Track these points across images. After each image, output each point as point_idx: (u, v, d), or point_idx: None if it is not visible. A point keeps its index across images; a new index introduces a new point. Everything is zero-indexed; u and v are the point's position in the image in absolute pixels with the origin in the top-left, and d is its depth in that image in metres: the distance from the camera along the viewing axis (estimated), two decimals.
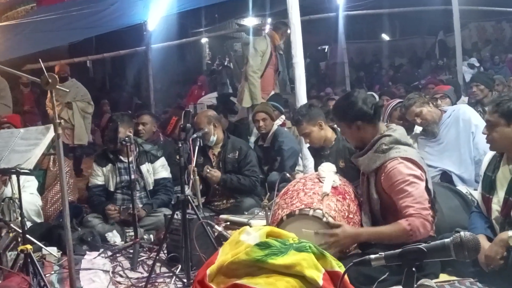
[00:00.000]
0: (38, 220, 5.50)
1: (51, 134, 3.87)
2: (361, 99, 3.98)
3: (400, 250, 1.94)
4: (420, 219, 3.64)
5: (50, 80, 3.38)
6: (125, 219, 5.69)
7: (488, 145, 3.85)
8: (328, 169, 4.18)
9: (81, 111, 9.16)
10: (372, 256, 2.01)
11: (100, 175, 5.97)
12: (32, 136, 3.99)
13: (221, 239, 4.20)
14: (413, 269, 1.89)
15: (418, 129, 5.98)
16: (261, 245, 2.80)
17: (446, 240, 1.92)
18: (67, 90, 3.41)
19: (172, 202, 5.86)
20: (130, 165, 5.16)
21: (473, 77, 8.19)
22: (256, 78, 8.54)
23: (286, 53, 5.95)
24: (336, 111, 4.14)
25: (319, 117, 5.24)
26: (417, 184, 3.73)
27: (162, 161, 6.09)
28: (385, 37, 25.26)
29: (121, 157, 5.86)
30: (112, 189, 5.93)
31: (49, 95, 8.56)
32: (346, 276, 2.88)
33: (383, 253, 1.98)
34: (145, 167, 5.93)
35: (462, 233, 1.92)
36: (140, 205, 5.76)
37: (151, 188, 5.97)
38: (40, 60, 3.51)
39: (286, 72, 9.35)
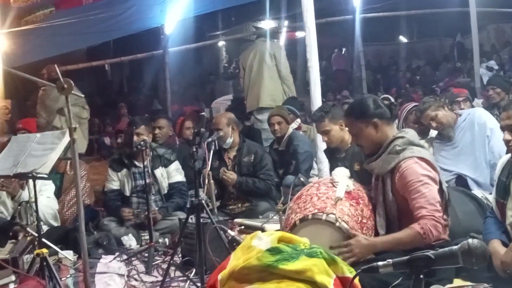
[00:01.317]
0: (55, 224, 5.56)
1: (67, 138, 3.91)
2: (376, 100, 4.04)
3: (408, 257, 1.94)
4: (432, 221, 3.62)
5: (65, 86, 3.42)
6: (141, 223, 5.72)
7: (503, 148, 3.82)
8: (341, 173, 4.17)
9: (75, 117, 8.39)
10: (380, 263, 2.01)
11: (115, 180, 6.02)
12: (48, 141, 4.03)
13: (234, 243, 4.21)
14: (421, 276, 1.89)
15: (433, 133, 5.96)
16: (272, 251, 2.81)
17: (454, 247, 1.92)
18: (83, 96, 3.44)
19: (187, 206, 5.89)
20: (145, 169, 5.21)
21: (489, 80, 8.11)
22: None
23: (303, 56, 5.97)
24: (353, 109, 4.07)
25: (341, 117, 5.23)
26: (430, 186, 3.72)
27: (176, 165, 6.13)
28: (403, 39, 25.14)
29: (136, 162, 5.91)
30: (127, 193, 5.98)
31: (39, 101, 8.41)
32: (357, 281, 2.88)
33: (391, 260, 1.99)
34: (159, 171, 5.97)
35: (470, 240, 1.91)
36: (156, 209, 5.80)
37: (166, 192, 6.01)
38: (56, 66, 3.53)
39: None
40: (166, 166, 6.05)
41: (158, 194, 6.01)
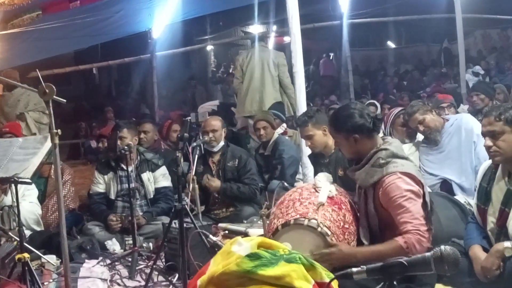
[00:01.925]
0: (38, 229, 5.54)
1: (49, 143, 3.90)
2: (360, 112, 3.96)
3: (381, 263, 1.95)
4: (417, 236, 3.62)
5: (47, 90, 3.40)
6: (125, 227, 5.71)
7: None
8: (324, 179, 4.18)
9: (35, 123, 8.19)
10: (354, 269, 2.02)
11: (101, 183, 6.02)
12: (31, 146, 4.02)
13: (215, 248, 4.21)
14: (394, 282, 1.90)
15: (420, 136, 5.99)
16: (252, 256, 2.81)
17: (427, 254, 1.94)
18: (64, 101, 3.42)
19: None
20: (130, 174, 5.20)
21: (473, 86, 8.19)
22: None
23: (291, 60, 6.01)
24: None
25: (324, 123, 5.25)
26: (414, 201, 3.71)
27: (163, 170, 6.13)
28: (391, 44, 25.25)
29: (123, 165, 5.90)
30: (112, 197, 5.97)
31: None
32: (337, 286, 2.89)
33: (365, 267, 2.00)
34: (146, 176, 5.97)
35: (442, 247, 1.93)
36: (141, 213, 5.80)
37: (152, 196, 6.01)
38: (37, 70, 3.52)
39: None
40: (153, 170, 6.05)
41: (144, 198, 6.00)
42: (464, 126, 5.62)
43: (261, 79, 8.83)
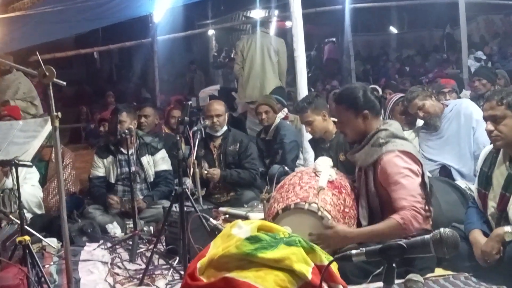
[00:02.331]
0: (39, 212, 5.54)
1: (49, 126, 3.89)
2: (371, 91, 4.06)
3: (380, 246, 1.95)
4: (412, 212, 3.66)
5: (47, 73, 3.40)
6: (126, 211, 5.72)
7: (488, 140, 3.84)
8: (324, 163, 4.19)
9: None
10: (353, 251, 2.02)
11: (101, 167, 6.01)
12: (31, 128, 4.02)
13: (215, 232, 4.22)
14: (394, 265, 1.90)
15: (420, 122, 5.97)
16: (251, 239, 2.82)
17: (426, 236, 1.93)
18: (64, 84, 3.43)
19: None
20: (130, 157, 5.20)
21: (475, 72, 8.15)
22: None
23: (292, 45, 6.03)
24: (345, 98, 4.08)
25: (324, 108, 5.27)
26: (411, 178, 3.75)
27: (162, 153, 6.12)
28: (393, 29, 25.12)
29: (122, 149, 5.89)
30: (112, 180, 5.97)
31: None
32: (336, 269, 2.90)
33: (364, 249, 2.00)
34: (146, 159, 5.97)
35: (442, 229, 1.92)
36: (141, 197, 5.80)
37: (152, 180, 6.01)
38: (37, 52, 3.51)
39: None
40: (152, 154, 6.04)
41: (144, 182, 5.99)
42: (463, 112, 5.60)
43: (262, 65, 8.88)
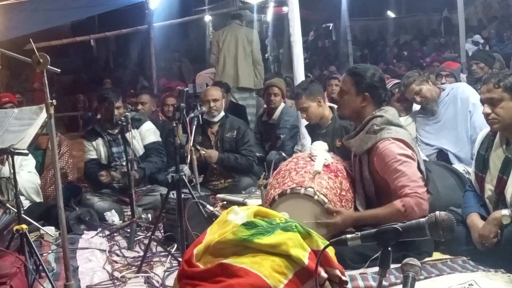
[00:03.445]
0: (37, 199, 5.54)
1: (44, 114, 3.86)
2: (381, 78, 4.06)
3: (375, 229, 1.94)
4: (415, 198, 3.65)
5: (41, 60, 3.37)
6: (122, 188, 5.79)
7: (485, 124, 3.83)
8: (320, 147, 4.18)
9: None
10: (349, 236, 2.01)
11: (92, 149, 6.06)
12: (26, 116, 3.99)
13: (212, 218, 4.21)
14: (389, 248, 1.89)
15: (416, 107, 5.96)
16: (248, 225, 2.81)
17: (422, 219, 1.93)
18: (58, 71, 3.41)
19: (168, 181, 5.87)
20: (118, 136, 5.18)
21: (473, 55, 8.12)
22: None
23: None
24: (355, 73, 4.07)
25: (319, 94, 5.24)
26: (409, 163, 3.75)
27: (148, 125, 6.12)
28: (391, 14, 25.04)
29: (109, 130, 5.89)
30: (105, 162, 6.00)
31: None
32: (333, 254, 2.89)
33: (359, 233, 1.99)
34: (129, 135, 5.92)
35: (437, 212, 1.92)
36: (136, 177, 5.74)
37: (141, 154, 6.01)
38: (30, 39, 3.49)
39: None
40: (137, 127, 6.00)
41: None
42: (460, 96, 5.58)
43: (235, 55, 9.07)
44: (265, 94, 7.45)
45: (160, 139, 6.15)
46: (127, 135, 5.72)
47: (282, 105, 7.21)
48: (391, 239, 1.91)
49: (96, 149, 6.03)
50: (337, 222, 3.77)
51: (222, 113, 6.25)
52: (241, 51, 9.05)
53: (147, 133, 6.07)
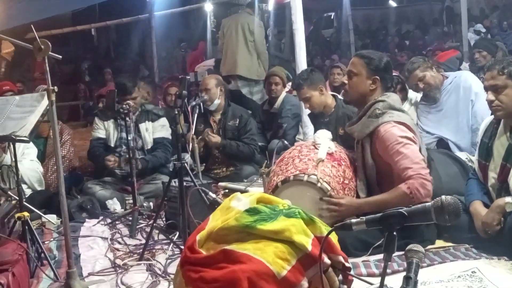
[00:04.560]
0: (39, 187, 5.53)
1: (46, 101, 3.85)
2: (389, 63, 4.11)
3: (380, 214, 1.93)
4: (420, 180, 3.64)
5: (42, 47, 3.36)
6: (123, 171, 5.80)
7: (487, 113, 3.81)
8: (323, 136, 4.17)
9: None
10: (353, 220, 2.00)
11: (102, 128, 6.03)
12: (27, 103, 3.97)
13: (215, 206, 4.20)
14: (394, 233, 1.88)
15: (412, 96, 5.95)
16: (251, 211, 2.79)
17: (427, 203, 1.92)
18: (60, 57, 3.40)
19: (170, 169, 5.86)
20: (129, 124, 5.18)
21: (475, 43, 8.09)
22: None
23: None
24: (369, 56, 4.07)
25: (320, 82, 5.22)
26: (411, 145, 3.75)
27: (163, 121, 6.10)
28: (392, 3, 24.93)
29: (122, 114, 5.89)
30: (112, 144, 5.98)
31: None
32: (336, 241, 2.89)
33: (364, 218, 1.98)
34: (144, 126, 5.91)
35: (443, 197, 1.90)
36: (139, 167, 5.73)
37: (149, 147, 5.99)
38: (32, 26, 3.47)
39: None
40: (153, 120, 6.00)
41: (141, 150, 5.93)
42: (462, 84, 5.56)
43: (236, 42, 9.08)
44: (265, 83, 7.41)
45: (170, 137, 6.12)
46: (141, 125, 5.73)
47: (284, 94, 7.18)
48: (396, 224, 1.90)
49: (106, 129, 6.01)
50: (341, 202, 3.75)
51: (217, 101, 6.19)
52: (241, 39, 9.03)
53: (159, 128, 6.06)
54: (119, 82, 5.97)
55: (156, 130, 6.03)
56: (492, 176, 3.75)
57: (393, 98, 3.99)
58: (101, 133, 6.03)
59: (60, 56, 3.50)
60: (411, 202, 3.55)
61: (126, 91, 5.76)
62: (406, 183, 3.66)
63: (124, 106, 5.01)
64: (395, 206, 3.50)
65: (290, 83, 7.85)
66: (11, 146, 4.10)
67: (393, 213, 1.91)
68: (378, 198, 3.83)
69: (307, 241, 2.67)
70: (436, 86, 5.58)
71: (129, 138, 5.12)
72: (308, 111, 5.52)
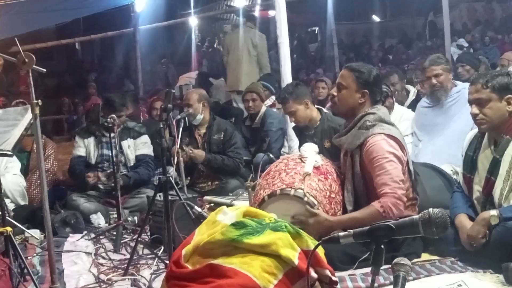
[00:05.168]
0: (22, 202, 5.48)
1: (29, 114, 3.81)
2: (379, 76, 4.12)
3: (368, 227, 1.93)
4: (393, 199, 3.66)
5: (26, 60, 3.34)
6: (108, 190, 5.75)
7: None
8: (310, 149, 4.17)
9: None
10: (341, 233, 2.00)
11: (82, 147, 6.03)
12: (11, 117, 3.93)
13: (200, 220, 4.18)
14: (382, 246, 1.87)
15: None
16: (237, 225, 2.78)
17: (415, 216, 1.92)
18: (44, 70, 3.38)
19: (155, 183, 5.83)
20: (113, 140, 5.16)
21: (458, 57, 8.14)
22: None
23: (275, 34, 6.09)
24: (358, 69, 4.06)
25: (305, 96, 5.22)
26: (395, 164, 3.76)
27: (145, 138, 6.11)
28: (376, 18, 25.18)
29: (104, 132, 5.86)
30: (92, 162, 5.96)
31: None
32: (323, 255, 2.88)
33: (351, 231, 1.97)
34: (126, 143, 5.93)
35: (430, 209, 1.91)
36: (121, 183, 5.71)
37: (132, 164, 5.98)
38: (16, 39, 3.45)
39: None
40: (134, 138, 6.01)
41: (124, 166, 5.91)
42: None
43: (240, 57, 9.13)
44: (243, 100, 7.39)
45: (152, 154, 6.14)
46: (123, 142, 5.72)
47: (264, 108, 7.13)
48: (384, 237, 1.89)
49: (87, 147, 6.00)
50: (308, 221, 3.73)
51: (200, 116, 6.15)
52: (245, 54, 9.11)
53: (141, 145, 6.07)
54: (109, 99, 5.96)
55: (138, 147, 6.04)
56: (477, 189, 3.77)
57: (383, 111, 4.02)
58: (81, 151, 6.02)
59: (45, 70, 3.48)
60: (384, 220, 3.55)
61: (114, 108, 5.74)
62: (380, 201, 3.69)
63: (108, 120, 4.98)
64: (368, 224, 3.51)
65: (273, 97, 7.86)
66: None
67: (381, 226, 1.90)
68: (350, 216, 3.84)
69: (293, 255, 2.66)
70: (445, 89, 5.55)
71: (113, 152, 5.09)
72: (293, 124, 5.52)
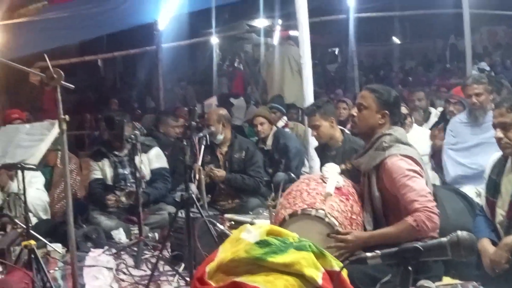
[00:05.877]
0: (44, 216, 5.54)
1: (56, 130, 3.87)
2: (398, 98, 4.14)
3: (396, 248, 1.93)
4: (426, 213, 3.62)
5: (55, 76, 3.40)
6: (128, 207, 5.80)
7: None
8: (332, 169, 4.17)
9: None
10: (369, 254, 2.00)
11: (97, 169, 6.09)
12: (38, 132, 4.00)
13: (223, 237, 4.19)
14: (409, 268, 1.88)
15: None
16: (261, 243, 2.79)
17: (443, 239, 1.92)
18: (72, 87, 3.43)
19: (176, 199, 5.86)
20: (125, 159, 5.23)
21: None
22: None
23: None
24: (380, 91, 4.06)
25: (332, 114, 5.28)
26: (417, 179, 3.74)
27: (156, 150, 6.17)
28: (396, 40, 25.18)
29: (116, 152, 5.92)
30: (110, 182, 6.02)
31: None
32: (346, 276, 2.87)
33: (379, 252, 1.98)
34: (138, 159, 5.94)
35: (459, 232, 1.91)
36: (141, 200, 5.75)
37: (148, 179, 6.03)
38: (45, 55, 3.51)
39: None
40: (145, 152, 6.00)
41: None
42: None
43: (282, 72, 9.35)
44: (252, 125, 7.43)
45: (166, 165, 6.20)
46: (136, 158, 5.76)
47: (274, 129, 7.14)
48: (412, 258, 1.89)
49: (102, 169, 6.06)
50: (348, 238, 3.73)
51: (220, 136, 6.21)
52: (287, 69, 9.30)
53: (154, 158, 6.12)
54: (110, 116, 6.08)
55: (151, 161, 6.09)
56: (500, 213, 3.74)
57: (400, 132, 4.01)
58: (97, 174, 6.09)
59: (73, 86, 3.53)
60: (418, 235, 3.54)
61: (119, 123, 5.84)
62: (412, 215, 3.65)
63: (132, 136, 5.04)
64: (401, 239, 3.53)
65: (285, 117, 7.91)
66: (19, 174, 4.11)
67: (409, 248, 1.91)
68: (384, 231, 3.82)
69: (317, 275, 2.67)
70: (484, 109, 5.56)
71: (137, 169, 5.14)
72: (314, 144, 5.54)
